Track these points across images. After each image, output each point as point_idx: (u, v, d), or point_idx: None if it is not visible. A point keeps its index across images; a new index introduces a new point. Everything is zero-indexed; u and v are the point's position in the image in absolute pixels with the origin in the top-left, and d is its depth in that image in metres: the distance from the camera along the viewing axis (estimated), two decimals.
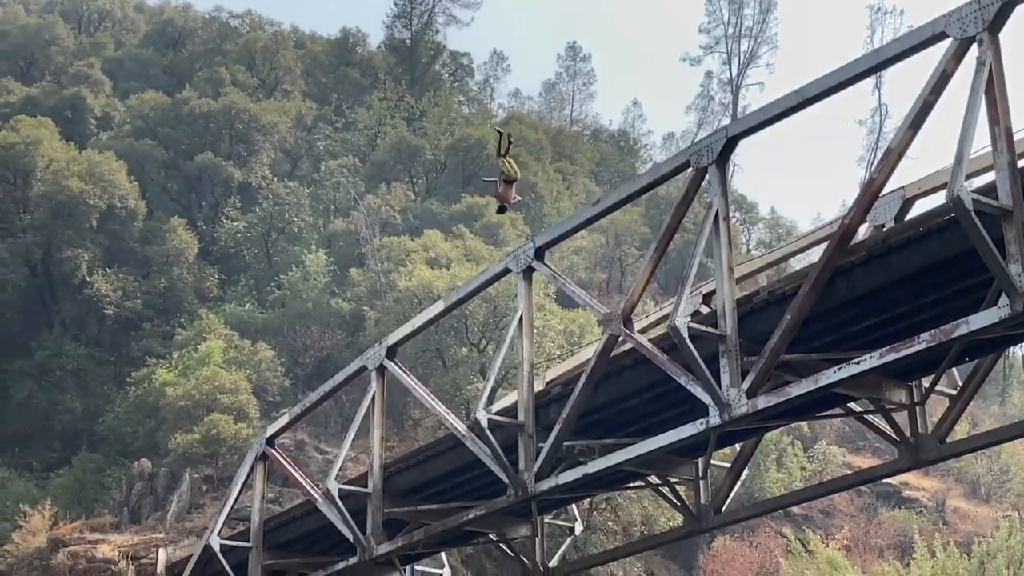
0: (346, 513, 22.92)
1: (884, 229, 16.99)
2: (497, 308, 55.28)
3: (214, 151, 78.80)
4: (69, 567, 46.60)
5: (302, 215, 75.45)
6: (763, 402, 15.90)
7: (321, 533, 25.35)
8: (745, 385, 15.97)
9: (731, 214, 17.60)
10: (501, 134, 22.95)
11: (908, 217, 17.35)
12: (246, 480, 26.41)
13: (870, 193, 15.12)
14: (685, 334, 16.13)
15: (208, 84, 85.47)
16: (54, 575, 44.46)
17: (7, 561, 47.62)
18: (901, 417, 18.06)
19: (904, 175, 16.74)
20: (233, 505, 27.01)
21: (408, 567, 25.42)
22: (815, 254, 18.19)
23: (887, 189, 16.05)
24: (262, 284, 71.68)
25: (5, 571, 45.45)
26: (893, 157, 14.77)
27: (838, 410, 19.39)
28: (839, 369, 15.29)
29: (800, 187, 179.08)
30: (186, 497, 51.19)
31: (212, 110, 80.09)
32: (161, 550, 30.67)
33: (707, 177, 17.08)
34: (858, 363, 15.09)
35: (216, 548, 26.52)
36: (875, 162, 16.34)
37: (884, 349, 14.86)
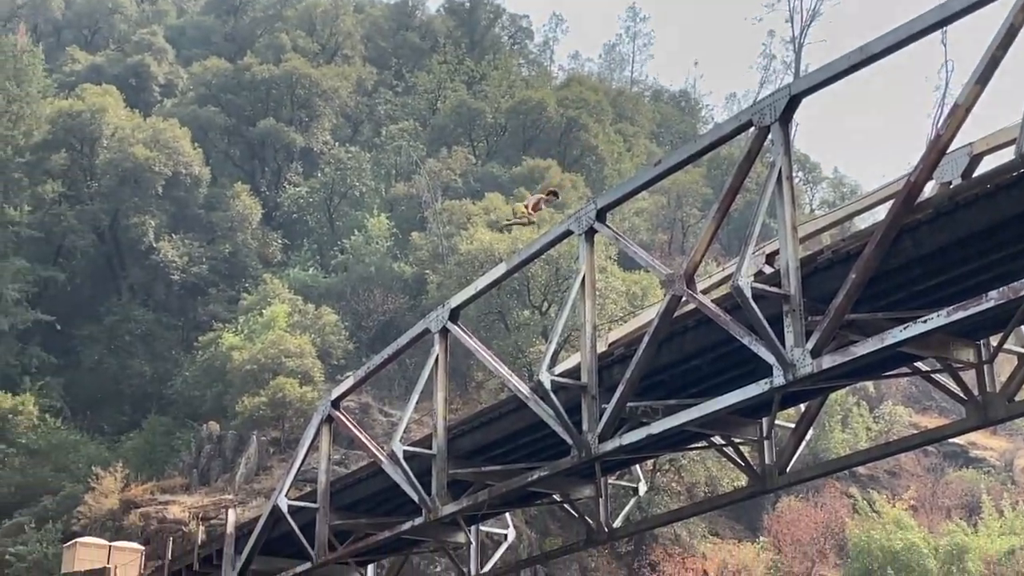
0: (411, 474, 23.07)
1: (951, 186, 16.74)
2: (559, 270, 55.32)
3: (276, 117, 79.34)
4: (141, 528, 47.53)
5: (364, 180, 75.79)
6: (828, 362, 15.76)
7: (386, 494, 25.55)
8: (809, 345, 15.83)
9: (794, 173, 17.41)
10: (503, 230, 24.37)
11: (976, 174, 17.06)
12: (312, 442, 26.66)
13: (937, 150, 14.86)
14: (748, 294, 16.01)
15: (269, 50, 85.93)
16: (126, 535, 45.32)
17: (80, 522, 48.67)
18: (968, 376, 17.79)
19: (971, 131, 16.45)
20: (300, 467, 27.28)
21: (473, 528, 25.61)
22: (880, 213, 17.96)
23: (954, 146, 15.78)
24: (325, 249, 72.19)
25: (79, 532, 46.42)
26: (960, 113, 14.47)
27: (904, 369, 19.16)
28: (905, 328, 15.09)
29: (863, 147, 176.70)
30: (254, 459, 51.97)
31: (274, 76, 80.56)
32: (230, 511, 31.10)
33: (770, 136, 16.89)
34: (925, 322, 14.89)
35: (284, 509, 26.86)
36: (941, 118, 16.00)
37: (951, 307, 14.66)
